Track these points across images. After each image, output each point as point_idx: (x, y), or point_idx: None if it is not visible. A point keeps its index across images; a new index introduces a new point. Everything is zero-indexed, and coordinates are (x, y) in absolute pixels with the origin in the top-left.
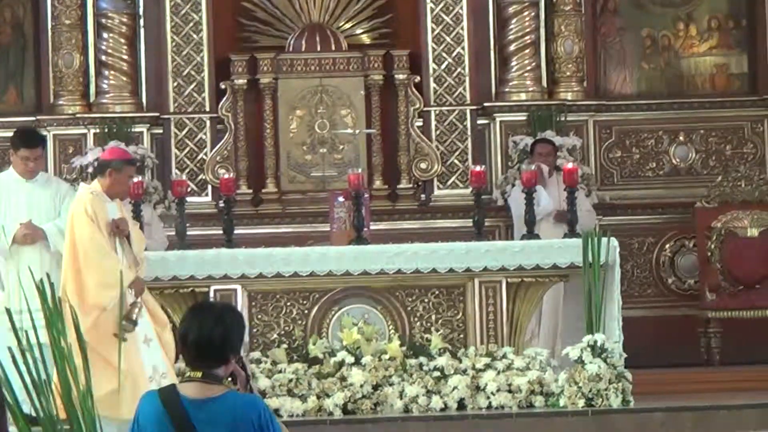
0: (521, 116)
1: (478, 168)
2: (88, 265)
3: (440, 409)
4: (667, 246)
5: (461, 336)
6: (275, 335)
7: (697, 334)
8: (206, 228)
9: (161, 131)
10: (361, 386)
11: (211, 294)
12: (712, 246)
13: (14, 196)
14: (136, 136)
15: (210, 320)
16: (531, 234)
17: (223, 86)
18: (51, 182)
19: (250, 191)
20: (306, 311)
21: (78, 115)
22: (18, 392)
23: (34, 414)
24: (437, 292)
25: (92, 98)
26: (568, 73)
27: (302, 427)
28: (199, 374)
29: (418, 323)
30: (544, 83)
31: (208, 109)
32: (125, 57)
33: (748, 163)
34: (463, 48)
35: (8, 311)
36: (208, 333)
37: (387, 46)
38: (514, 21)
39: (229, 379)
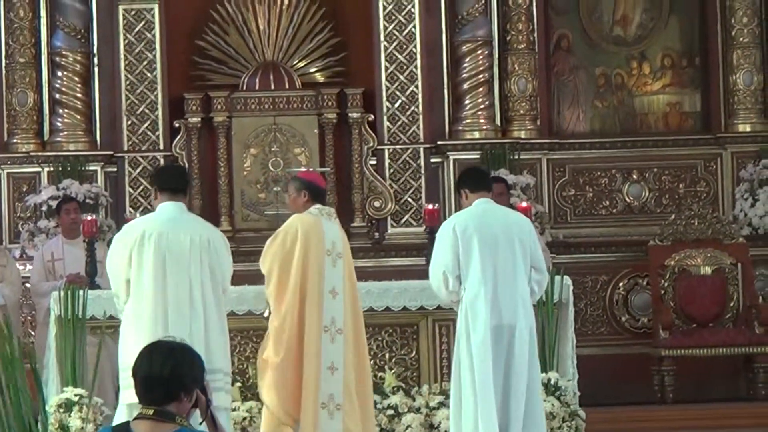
0: (475, 154)
1: (431, 206)
2: None
3: None
4: (621, 284)
5: (415, 374)
6: None
7: (650, 372)
8: None
9: (115, 170)
10: None
11: None
12: (666, 284)
13: None
14: (90, 175)
15: (159, 357)
16: None
17: (177, 125)
18: None
19: None
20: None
21: (32, 154)
22: None
23: None
24: (391, 330)
25: (46, 136)
26: (521, 112)
27: None
28: (150, 411)
29: (372, 361)
30: (498, 121)
31: (162, 147)
32: (79, 95)
33: (701, 202)
34: (416, 86)
35: None
36: (157, 369)
37: (340, 84)
38: (467, 59)
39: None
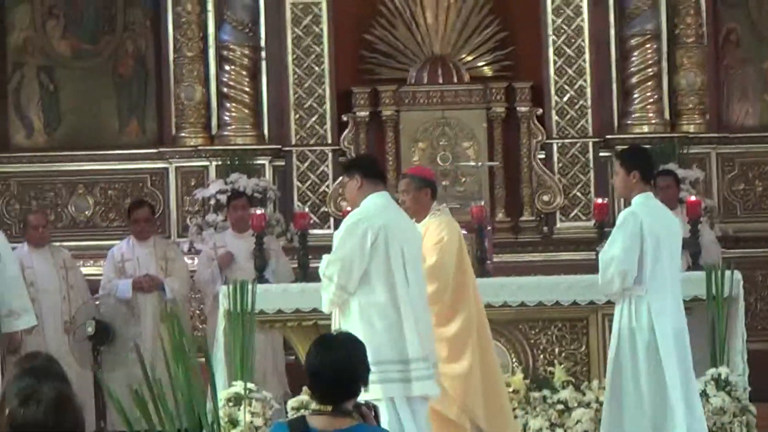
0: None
1: (600, 201)
2: None
3: None
4: None
5: (584, 369)
6: None
7: None
8: None
9: (283, 164)
10: None
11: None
12: None
13: None
14: (258, 169)
15: (341, 356)
16: None
17: (344, 118)
18: None
19: None
20: None
21: (200, 148)
22: None
23: None
24: (560, 325)
25: (214, 130)
26: (690, 106)
27: None
28: (329, 408)
29: (542, 356)
30: (667, 115)
31: (330, 141)
32: (247, 89)
33: None
34: (585, 80)
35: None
36: (341, 370)
37: (509, 78)
38: (636, 53)
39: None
